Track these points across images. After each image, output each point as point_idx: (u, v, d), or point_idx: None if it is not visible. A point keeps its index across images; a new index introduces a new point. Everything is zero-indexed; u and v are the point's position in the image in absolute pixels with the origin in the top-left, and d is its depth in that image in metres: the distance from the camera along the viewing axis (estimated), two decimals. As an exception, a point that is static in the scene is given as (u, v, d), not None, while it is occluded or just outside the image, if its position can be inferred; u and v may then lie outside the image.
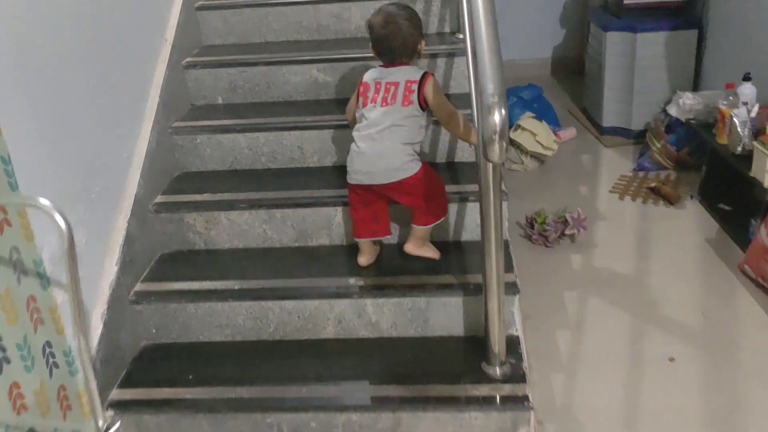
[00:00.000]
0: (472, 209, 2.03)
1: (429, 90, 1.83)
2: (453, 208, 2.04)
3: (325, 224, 2.08)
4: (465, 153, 2.24)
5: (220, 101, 2.47)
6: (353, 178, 1.89)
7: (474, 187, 2.03)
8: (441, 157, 2.25)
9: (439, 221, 1.94)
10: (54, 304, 1.56)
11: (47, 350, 1.52)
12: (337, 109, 2.25)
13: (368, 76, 1.90)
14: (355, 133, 1.89)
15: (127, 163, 1.99)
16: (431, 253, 1.97)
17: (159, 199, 2.12)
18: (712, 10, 3.30)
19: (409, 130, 1.85)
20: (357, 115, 1.91)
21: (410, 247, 1.97)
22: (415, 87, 1.83)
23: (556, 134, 3.41)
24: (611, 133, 3.60)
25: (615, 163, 3.35)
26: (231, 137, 2.26)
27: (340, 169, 2.23)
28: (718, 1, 3.26)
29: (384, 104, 1.84)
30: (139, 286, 1.95)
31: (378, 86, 1.86)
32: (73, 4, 1.73)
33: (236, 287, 1.93)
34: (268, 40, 2.64)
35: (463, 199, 2.03)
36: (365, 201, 1.92)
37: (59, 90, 1.64)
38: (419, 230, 1.94)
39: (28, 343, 1.44)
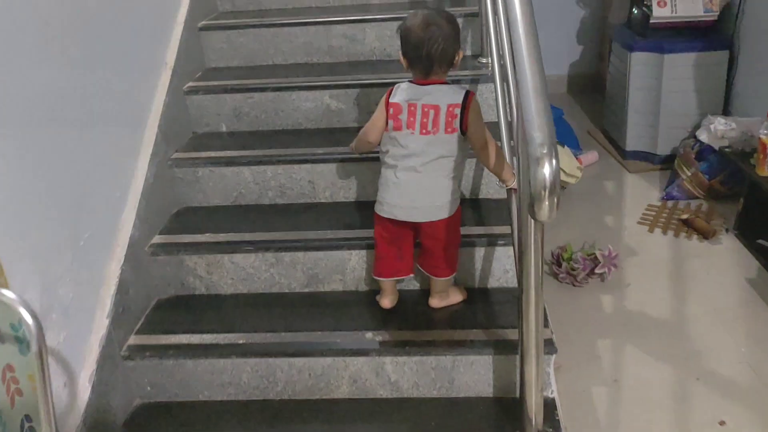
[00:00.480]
0: (501, 253, 1.86)
1: (472, 113, 1.63)
2: (479, 253, 1.86)
3: (339, 268, 1.89)
4: (490, 188, 2.06)
5: (224, 129, 2.29)
6: (385, 211, 1.70)
7: (502, 229, 1.86)
8: (464, 192, 2.06)
9: (456, 272, 1.78)
10: (34, 371, 1.37)
11: (26, 425, 1.34)
12: (351, 140, 2.07)
13: (399, 97, 1.66)
14: (390, 161, 1.68)
15: (122, 202, 1.81)
16: (458, 297, 1.82)
17: (156, 239, 1.94)
18: (744, 31, 3.13)
19: (454, 161, 1.66)
20: (386, 137, 1.69)
21: (435, 302, 1.79)
22: (458, 111, 1.62)
23: (577, 158, 3.23)
24: (635, 158, 3.41)
25: (641, 190, 3.17)
26: (236, 170, 2.08)
27: (355, 206, 2.06)
28: (751, 21, 3.08)
29: (424, 131, 1.63)
30: (132, 339, 1.76)
31: (412, 108, 1.64)
32: (62, 27, 1.55)
33: (240, 341, 1.74)
34: (276, 62, 2.46)
35: (491, 243, 1.84)
36: (392, 236, 1.73)
37: (42, 124, 1.46)
38: (441, 282, 1.77)
39: (4, 421, 1.27)
